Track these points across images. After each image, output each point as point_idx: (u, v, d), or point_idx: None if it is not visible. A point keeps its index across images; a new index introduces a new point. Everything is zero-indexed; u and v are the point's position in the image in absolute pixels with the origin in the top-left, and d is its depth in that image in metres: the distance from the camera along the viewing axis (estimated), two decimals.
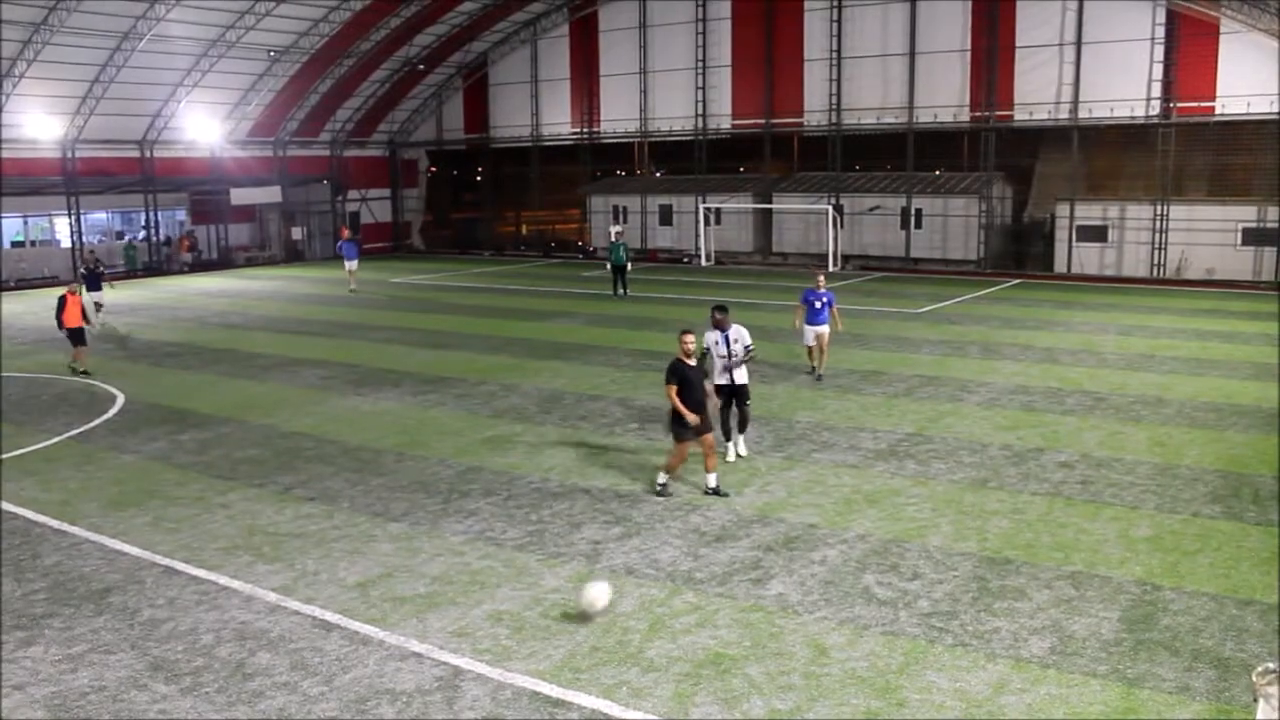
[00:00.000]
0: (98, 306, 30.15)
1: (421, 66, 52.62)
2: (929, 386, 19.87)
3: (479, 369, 22.29)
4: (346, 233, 42.08)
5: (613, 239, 36.60)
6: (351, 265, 38.61)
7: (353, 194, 55.98)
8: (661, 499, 13.33)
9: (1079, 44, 38.88)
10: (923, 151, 44.74)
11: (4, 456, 16.15)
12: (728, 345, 14.71)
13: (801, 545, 11.65)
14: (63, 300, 22.96)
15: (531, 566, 11.15)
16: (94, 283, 30.77)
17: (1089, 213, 39.84)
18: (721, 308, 15.15)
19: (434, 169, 60.33)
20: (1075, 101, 39.23)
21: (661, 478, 13.64)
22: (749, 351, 14.85)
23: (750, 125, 47.20)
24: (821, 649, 9.17)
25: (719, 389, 14.62)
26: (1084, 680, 8.55)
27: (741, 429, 15.26)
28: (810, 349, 20.75)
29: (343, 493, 13.87)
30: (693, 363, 13.30)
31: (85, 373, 22.54)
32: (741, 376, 14.90)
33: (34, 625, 10.03)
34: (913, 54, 42.06)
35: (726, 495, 13.36)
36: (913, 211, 43.12)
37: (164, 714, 8.28)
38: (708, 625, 9.67)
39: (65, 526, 12.84)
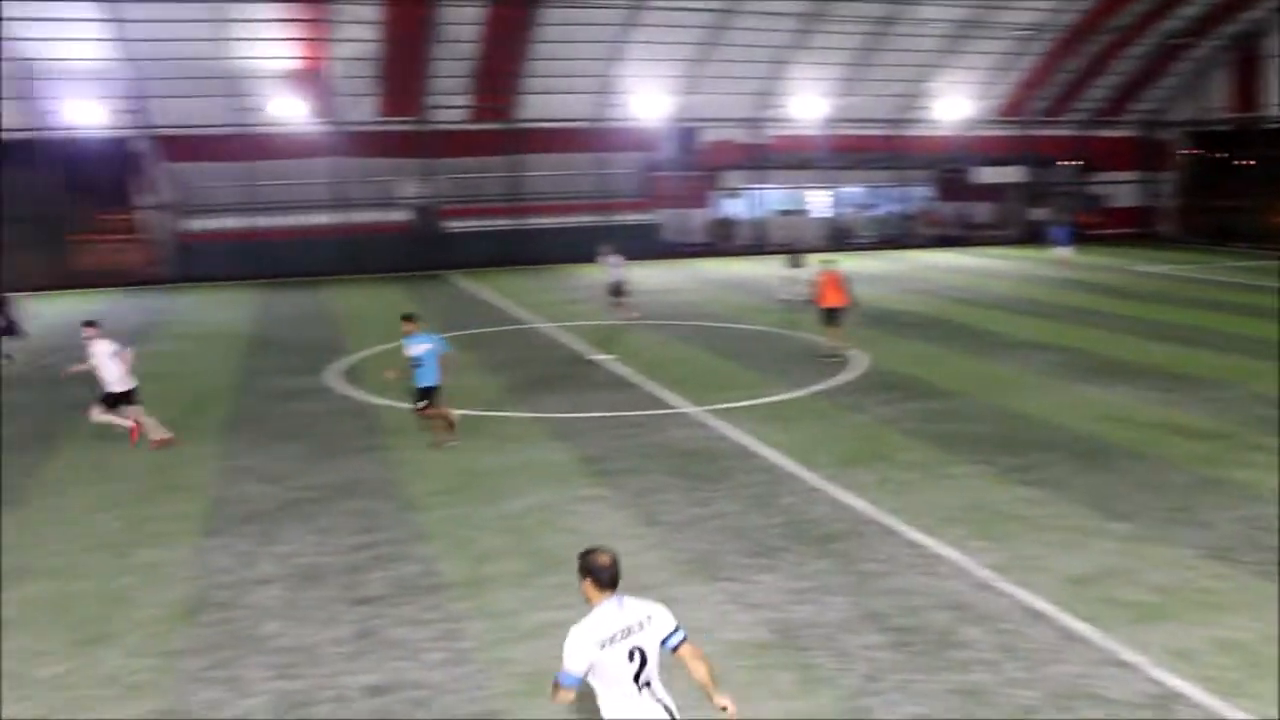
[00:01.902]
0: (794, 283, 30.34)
1: (1183, 40, 48.85)
2: None
3: (1229, 371, 20.28)
4: (1090, 218, 40.69)
5: None
6: (1064, 252, 37.26)
7: (1098, 175, 53.88)
8: None
9: None
10: None
11: (758, 401, 17.98)
12: None
13: None
14: (822, 278, 22.60)
15: (1273, 597, 9.99)
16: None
17: None
18: None
19: (1192, 150, 55.92)
20: None
21: None
22: None
23: None
24: None
25: None
26: None
27: None
28: None
29: (1065, 482, 13.48)
30: None
31: (834, 357, 21.98)
32: None
33: (771, 555, 11.09)
34: None
35: None
36: None
37: (872, 661, 8.71)
38: None
39: (802, 472, 13.99)
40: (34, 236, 40.51)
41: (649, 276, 38.93)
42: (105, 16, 36.95)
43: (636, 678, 5.75)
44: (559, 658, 8.81)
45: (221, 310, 33.22)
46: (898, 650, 8.93)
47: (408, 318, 16.09)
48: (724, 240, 49.32)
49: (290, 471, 14.71)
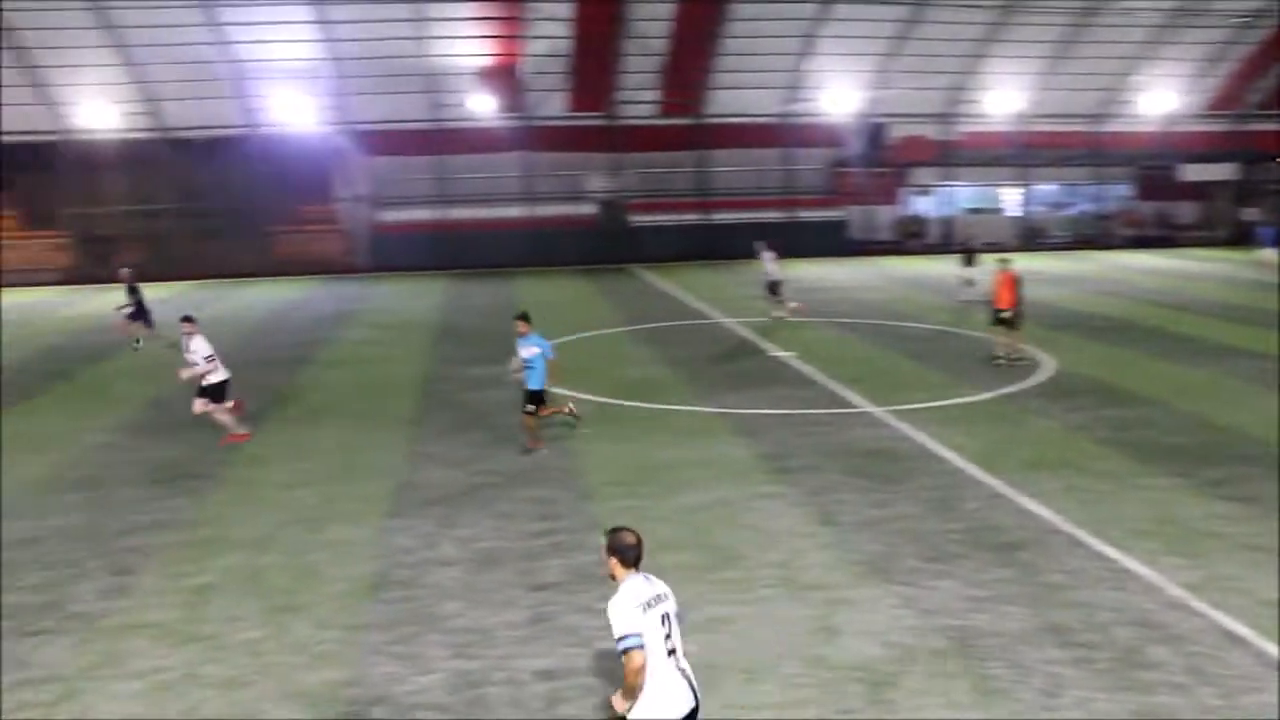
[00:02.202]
0: (968, 283, 28.78)
1: None
2: None
3: None
4: None
5: None
6: (1270, 253, 35.06)
7: None
8: None
9: None
10: None
11: (941, 403, 17.58)
12: None
13: None
14: (997, 278, 21.21)
15: None
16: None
17: None
18: None
19: None
20: None
21: None
22: None
23: None
24: None
25: None
26: None
27: None
28: None
29: (1266, 498, 12.66)
30: None
31: (1000, 359, 20.90)
32: None
33: (949, 561, 10.81)
34: None
35: None
36: None
37: (1052, 676, 8.40)
38: None
39: (985, 477, 13.59)
40: (239, 226, 42.89)
41: (834, 273, 38.61)
42: (313, 18, 38.73)
43: (666, 641, 6.17)
44: (731, 651, 8.91)
45: (413, 299, 34.39)
46: (1079, 666, 8.59)
47: (521, 318, 15.43)
48: (912, 238, 48.38)
49: (473, 458, 15.13)
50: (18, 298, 36.91)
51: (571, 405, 16.23)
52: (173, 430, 17.23)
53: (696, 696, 6.27)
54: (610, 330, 26.64)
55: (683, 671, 6.25)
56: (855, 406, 17.68)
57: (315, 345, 25.43)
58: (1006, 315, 20.93)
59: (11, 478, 14.75)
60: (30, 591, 10.68)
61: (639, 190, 45.73)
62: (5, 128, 40.84)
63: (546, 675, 8.68)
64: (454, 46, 41.36)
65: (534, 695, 8.39)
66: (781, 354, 22.50)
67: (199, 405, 16.42)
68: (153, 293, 37.19)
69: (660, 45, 42.24)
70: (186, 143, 41.87)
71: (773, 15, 41.14)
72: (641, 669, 6.03)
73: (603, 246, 44.43)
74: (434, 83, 42.07)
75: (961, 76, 45.53)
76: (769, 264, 27.97)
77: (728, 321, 27.55)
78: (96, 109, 41.15)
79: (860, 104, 45.41)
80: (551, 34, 41.02)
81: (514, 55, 42.43)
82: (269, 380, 21.12)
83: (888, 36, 42.97)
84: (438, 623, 9.70)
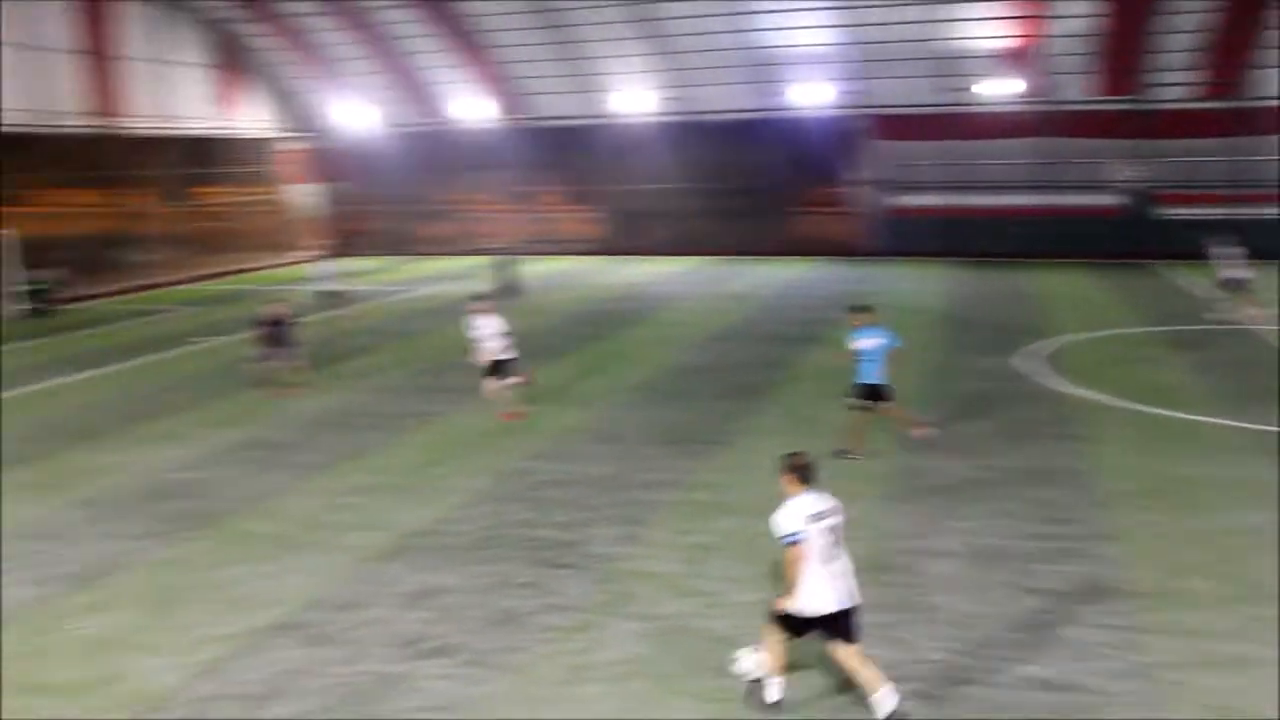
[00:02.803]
0: None
1: None
2: None
3: None
4: None
5: None
6: None
7: None
8: None
9: None
10: None
11: None
12: None
13: None
14: None
15: None
16: None
17: None
18: None
19: None
20: None
21: None
22: None
23: None
24: None
25: None
26: None
27: None
28: None
29: None
30: None
31: None
32: None
33: None
34: None
35: None
36: None
37: None
38: None
39: None
40: (759, 207, 44.81)
41: None
42: (831, 4, 39.41)
43: (832, 548, 7.45)
44: (1254, 696, 8.01)
45: (921, 285, 33.95)
46: None
47: (859, 309, 14.93)
48: None
49: (977, 449, 14.73)
50: (557, 265, 40.89)
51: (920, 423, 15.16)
52: (683, 395, 18.34)
53: (855, 599, 7.49)
54: (1131, 330, 24.80)
55: (843, 576, 7.46)
56: None
57: (823, 324, 25.82)
58: None
59: (550, 425, 16.47)
60: (559, 529, 11.88)
61: (1169, 180, 42.18)
62: (549, 113, 45.48)
63: (1044, 685, 8.26)
64: (971, 29, 40.28)
65: (1029, 704, 7.99)
66: None
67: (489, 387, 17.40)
68: (671, 266, 39.90)
69: (1199, 21, 38.53)
70: (712, 126, 44.20)
71: None
72: (798, 561, 7.34)
73: (1125, 239, 41.48)
74: (951, 66, 41.23)
75: None
76: (1227, 262, 25.36)
77: (1265, 328, 24.62)
78: (631, 95, 44.43)
79: None
80: (1078, 14, 38.74)
81: (1035, 36, 40.56)
82: (778, 355, 21.90)
83: None
84: (929, 612, 9.56)
